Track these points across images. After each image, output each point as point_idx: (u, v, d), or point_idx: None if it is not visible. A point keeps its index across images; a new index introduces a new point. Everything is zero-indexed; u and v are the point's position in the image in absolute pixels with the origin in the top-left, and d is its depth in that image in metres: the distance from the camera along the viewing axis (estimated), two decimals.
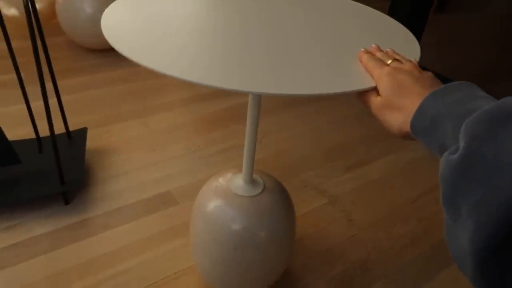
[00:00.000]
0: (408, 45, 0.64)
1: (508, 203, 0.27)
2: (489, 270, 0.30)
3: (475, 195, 0.29)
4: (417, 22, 1.81)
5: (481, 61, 2.40)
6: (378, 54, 0.53)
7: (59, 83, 1.16)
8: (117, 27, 0.58)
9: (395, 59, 0.51)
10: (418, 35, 1.83)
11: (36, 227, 1.03)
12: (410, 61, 0.51)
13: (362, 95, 0.50)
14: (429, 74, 0.46)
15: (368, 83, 0.50)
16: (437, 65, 1.81)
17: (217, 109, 1.60)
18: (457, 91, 0.38)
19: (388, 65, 0.50)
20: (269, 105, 1.65)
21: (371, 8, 0.78)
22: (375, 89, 0.49)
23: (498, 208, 0.27)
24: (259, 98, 0.71)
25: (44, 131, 1.12)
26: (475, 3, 3.38)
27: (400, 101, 0.44)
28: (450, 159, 0.32)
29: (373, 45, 0.57)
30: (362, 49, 0.55)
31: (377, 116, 0.47)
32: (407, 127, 0.42)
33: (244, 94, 0.66)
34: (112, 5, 0.65)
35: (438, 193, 1.20)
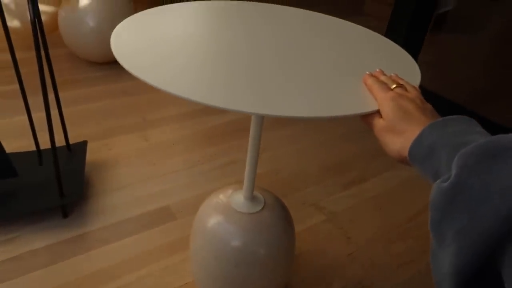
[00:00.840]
0: (408, 70, 0.65)
1: (488, 233, 0.28)
2: None
3: (460, 222, 0.31)
4: (414, 42, 1.84)
5: (476, 80, 2.44)
6: (383, 78, 0.55)
7: (59, 95, 1.17)
8: (125, 45, 0.60)
9: (399, 84, 0.52)
10: (415, 54, 1.86)
11: (35, 241, 1.03)
12: (414, 87, 0.52)
13: (366, 117, 0.51)
14: (430, 106, 0.48)
15: (372, 107, 0.51)
16: (432, 83, 1.84)
17: (217, 124, 1.62)
18: (455, 125, 0.40)
19: (392, 89, 0.51)
20: (268, 122, 1.67)
21: (373, 32, 0.80)
22: (378, 112, 0.50)
23: (479, 236, 0.29)
24: (262, 118, 0.72)
25: (44, 143, 1.12)
26: (472, 23, 3.45)
27: (402, 127, 0.45)
28: (441, 186, 0.33)
29: (377, 69, 0.58)
30: (367, 73, 0.57)
31: (378, 138, 0.49)
32: (405, 152, 0.44)
33: None
34: (121, 24, 0.67)
35: None
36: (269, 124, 1.65)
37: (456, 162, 0.34)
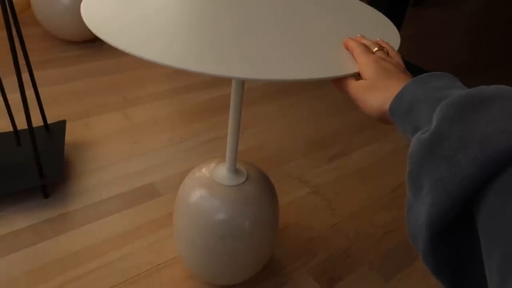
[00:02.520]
0: (388, 33, 0.65)
1: (466, 181, 0.28)
2: (439, 245, 0.32)
3: (438, 172, 0.30)
4: (396, 16, 1.83)
5: (458, 54, 2.45)
6: (364, 41, 0.54)
7: (35, 74, 1.13)
8: (95, 12, 0.57)
9: (380, 47, 0.52)
10: (397, 27, 1.85)
11: (16, 221, 1.01)
12: (396, 52, 0.53)
13: (338, 80, 0.51)
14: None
15: (350, 70, 0.50)
16: (414, 58, 1.85)
17: (200, 101, 1.60)
18: (437, 80, 0.40)
19: (373, 52, 0.51)
20: (251, 97, 1.65)
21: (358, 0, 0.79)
22: (353, 76, 0.50)
23: (457, 185, 0.29)
24: (242, 85, 0.71)
25: (22, 124, 1.09)
26: None
27: (384, 82, 0.45)
28: (420, 138, 0.33)
29: (358, 35, 0.57)
30: (348, 37, 0.56)
31: (356, 97, 0.48)
32: (386, 108, 0.43)
33: (227, 86, 0.66)
34: None
35: None
36: (253, 100, 1.64)
37: (436, 113, 0.33)
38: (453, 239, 0.32)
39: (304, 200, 1.19)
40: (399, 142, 1.50)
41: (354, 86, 0.48)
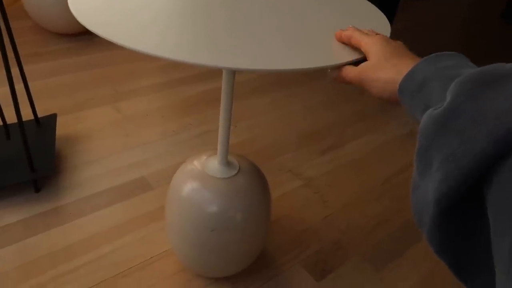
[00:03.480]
0: (378, 25, 0.64)
1: (479, 157, 0.27)
2: (446, 222, 0.31)
3: (449, 147, 0.30)
4: (389, 8, 1.83)
5: (451, 46, 2.46)
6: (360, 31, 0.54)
7: (25, 68, 1.12)
8: (84, 2, 0.56)
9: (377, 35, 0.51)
10: (390, 19, 1.85)
11: (7, 216, 1.00)
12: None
13: (338, 71, 0.50)
14: None
15: (344, 59, 0.50)
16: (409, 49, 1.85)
17: (192, 94, 1.59)
18: (449, 59, 0.40)
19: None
20: (244, 90, 1.65)
21: None
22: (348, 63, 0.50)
23: (469, 161, 0.28)
24: (233, 76, 0.71)
25: (12, 118, 1.08)
26: None
27: (392, 61, 0.44)
28: (433, 113, 0.33)
29: (349, 26, 0.56)
30: (339, 30, 0.55)
31: (362, 78, 0.46)
32: (395, 86, 0.42)
33: (219, 78, 0.66)
34: None
35: (408, 173, 1.23)
36: (246, 93, 1.63)
37: (450, 90, 0.33)
38: (460, 217, 0.31)
39: (296, 193, 1.20)
40: (390, 134, 1.51)
41: (359, 69, 0.47)
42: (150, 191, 1.13)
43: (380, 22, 0.67)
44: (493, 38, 2.74)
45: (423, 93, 0.38)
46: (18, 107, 0.99)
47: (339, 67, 0.50)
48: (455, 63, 0.39)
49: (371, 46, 0.47)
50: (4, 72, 0.92)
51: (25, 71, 1.12)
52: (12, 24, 1.01)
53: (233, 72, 0.71)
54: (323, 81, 1.80)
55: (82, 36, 1.85)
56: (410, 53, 0.45)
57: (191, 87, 1.63)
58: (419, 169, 0.34)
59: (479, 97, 0.30)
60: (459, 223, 0.31)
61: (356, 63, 0.50)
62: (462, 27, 2.92)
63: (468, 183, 0.29)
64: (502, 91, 0.29)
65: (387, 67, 0.44)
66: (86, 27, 0.50)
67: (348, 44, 0.53)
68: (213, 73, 1.71)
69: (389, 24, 0.67)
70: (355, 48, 0.52)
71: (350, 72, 0.48)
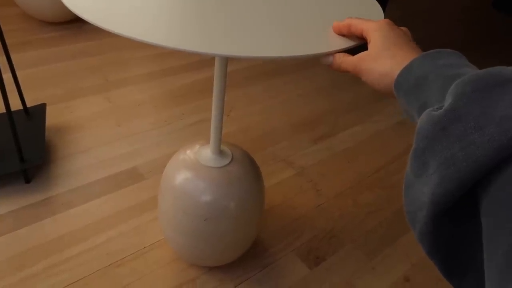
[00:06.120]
0: (371, 12, 0.64)
1: (480, 163, 0.27)
2: (440, 224, 0.31)
3: (449, 150, 0.29)
4: None
5: (443, 34, 2.46)
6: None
7: (13, 57, 1.10)
8: None
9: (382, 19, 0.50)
10: (382, 9, 1.84)
11: None
12: None
13: (334, 58, 0.49)
14: None
15: (337, 46, 0.49)
16: None
17: (184, 83, 1.57)
18: (448, 57, 0.39)
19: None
20: (236, 79, 1.64)
21: None
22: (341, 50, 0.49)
23: (469, 166, 0.27)
24: (225, 64, 0.70)
25: (0, 108, 1.06)
26: None
27: (393, 51, 0.43)
28: (432, 115, 0.32)
29: (346, 18, 0.55)
30: (336, 21, 0.54)
31: (360, 67, 0.45)
32: (391, 79, 0.41)
33: (211, 67, 0.65)
34: None
35: (400, 163, 1.24)
36: (239, 81, 1.62)
37: (452, 91, 0.32)
38: (453, 220, 0.31)
39: (290, 182, 1.20)
40: (383, 123, 1.51)
41: (356, 58, 0.46)
42: (142, 181, 1.12)
43: (374, 10, 0.66)
44: (485, 27, 2.75)
45: (420, 90, 0.37)
46: (6, 96, 0.97)
47: (333, 53, 0.49)
48: (454, 62, 0.38)
49: (373, 32, 0.45)
50: None
51: (12, 60, 1.09)
52: None
53: (226, 60, 0.70)
54: (316, 69, 1.79)
55: (71, 24, 1.82)
56: (413, 43, 0.44)
57: (183, 77, 1.61)
58: (415, 169, 0.33)
59: (481, 101, 0.29)
60: (451, 226, 0.31)
61: (351, 50, 0.50)
62: (454, 16, 2.93)
63: (465, 188, 0.28)
64: (505, 96, 0.28)
65: (385, 58, 0.43)
66: (74, 12, 0.49)
67: (348, 34, 0.52)
68: (205, 62, 1.70)
69: (383, 12, 0.66)
70: (355, 37, 0.51)
71: (347, 60, 0.47)
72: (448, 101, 0.31)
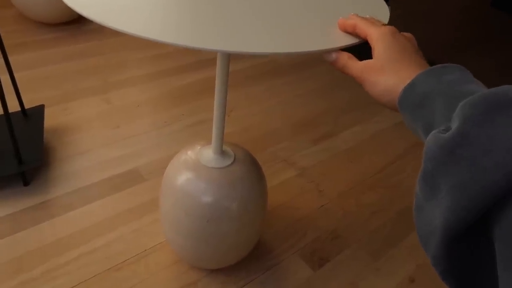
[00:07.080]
0: (376, 9, 0.63)
1: (489, 188, 0.26)
2: (453, 249, 0.30)
3: (459, 175, 0.29)
4: None
5: (443, 33, 2.45)
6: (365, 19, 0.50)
7: (10, 58, 1.08)
8: None
9: (385, 24, 0.48)
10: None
11: None
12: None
13: (339, 60, 0.47)
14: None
15: (339, 43, 0.48)
16: None
17: (184, 84, 1.56)
18: (451, 73, 0.38)
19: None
20: (237, 79, 1.63)
21: None
22: (350, 56, 0.47)
23: (479, 190, 0.27)
24: (227, 61, 0.68)
25: None
26: None
27: (397, 65, 0.41)
28: (440, 137, 0.31)
29: (351, 14, 0.54)
30: (341, 18, 0.52)
31: (363, 77, 0.44)
32: (394, 95, 0.40)
33: (211, 68, 0.63)
34: None
35: (402, 163, 1.22)
36: (240, 81, 1.61)
37: (459, 112, 0.31)
38: (466, 245, 0.30)
39: (291, 182, 1.19)
40: (384, 123, 1.50)
41: (361, 66, 0.44)
42: (142, 182, 1.10)
43: (379, 7, 0.65)
44: (484, 26, 2.74)
45: (425, 109, 0.36)
46: (4, 98, 0.95)
47: (338, 51, 0.48)
48: (457, 78, 0.37)
49: (377, 41, 0.44)
50: None
51: (10, 61, 1.08)
52: None
53: (227, 59, 0.69)
54: (317, 69, 1.78)
55: (68, 25, 1.80)
56: (417, 55, 0.42)
57: (182, 77, 1.60)
58: (424, 192, 0.32)
59: (490, 123, 0.28)
60: (465, 251, 0.31)
61: (352, 47, 0.48)
62: (454, 15, 2.92)
63: (476, 213, 0.28)
64: (511, 119, 0.28)
65: (388, 73, 0.42)
66: (72, 8, 0.47)
67: (353, 33, 0.50)
68: (204, 63, 1.68)
69: (388, 9, 0.65)
70: (358, 36, 0.50)
71: (352, 66, 0.46)
72: (455, 123, 0.31)
